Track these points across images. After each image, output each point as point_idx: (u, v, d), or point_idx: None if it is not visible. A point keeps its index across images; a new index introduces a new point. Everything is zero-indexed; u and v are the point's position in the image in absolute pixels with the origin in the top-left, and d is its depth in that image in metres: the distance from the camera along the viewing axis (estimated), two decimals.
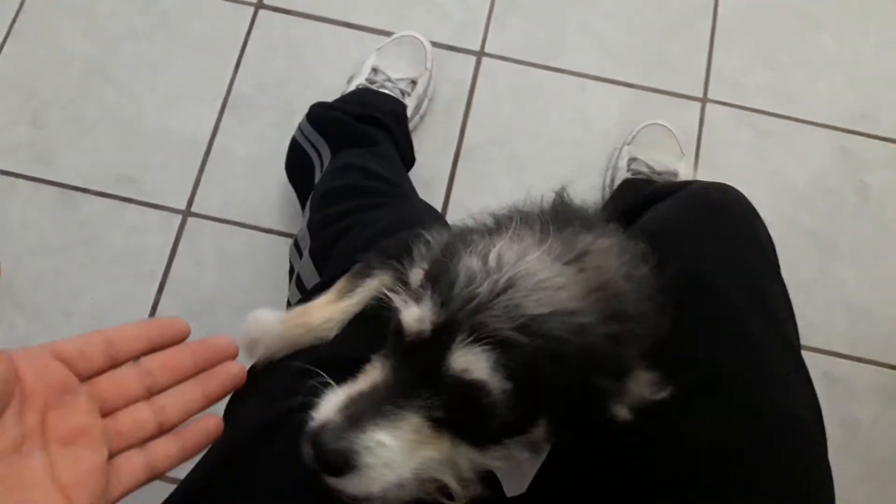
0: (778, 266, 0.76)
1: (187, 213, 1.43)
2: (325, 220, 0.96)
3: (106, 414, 0.49)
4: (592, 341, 0.49)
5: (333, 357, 0.63)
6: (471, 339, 0.48)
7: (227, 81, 1.51)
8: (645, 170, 1.39)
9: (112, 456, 0.48)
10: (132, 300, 1.38)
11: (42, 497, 0.44)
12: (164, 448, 0.51)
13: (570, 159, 1.51)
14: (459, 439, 0.51)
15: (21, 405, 0.45)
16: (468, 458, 0.53)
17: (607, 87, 1.55)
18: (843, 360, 1.43)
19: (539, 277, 0.50)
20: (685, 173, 1.45)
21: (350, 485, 0.49)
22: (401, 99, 1.38)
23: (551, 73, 1.56)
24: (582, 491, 0.63)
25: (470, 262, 0.51)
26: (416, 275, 0.61)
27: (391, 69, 1.42)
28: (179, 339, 0.54)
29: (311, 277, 0.90)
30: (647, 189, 1.29)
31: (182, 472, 0.66)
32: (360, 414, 0.50)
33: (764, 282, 0.72)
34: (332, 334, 0.69)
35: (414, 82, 1.43)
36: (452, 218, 1.42)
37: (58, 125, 1.48)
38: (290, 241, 1.40)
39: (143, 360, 0.53)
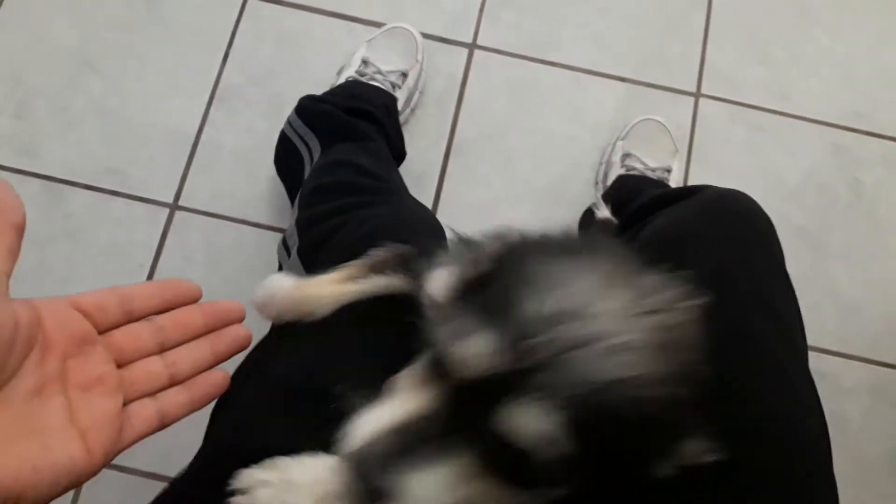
0: (788, 277, 0.75)
1: (175, 206, 1.42)
2: (313, 218, 0.95)
3: (121, 365, 0.52)
4: (660, 408, 0.46)
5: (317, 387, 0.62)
6: (533, 397, 0.43)
7: (216, 73, 1.49)
8: (639, 166, 1.38)
9: (126, 404, 0.51)
10: None
11: (61, 439, 0.46)
12: (174, 398, 0.54)
13: (564, 154, 1.50)
14: (498, 484, 0.47)
15: (42, 352, 0.47)
16: (504, 500, 0.49)
17: (601, 82, 1.54)
18: (832, 358, 1.43)
19: (617, 333, 0.45)
20: (678, 169, 1.45)
21: None
22: (391, 92, 1.37)
23: (545, 66, 1.54)
24: None
25: (534, 305, 0.45)
26: (442, 281, 0.55)
27: (381, 61, 1.40)
28: (191, 300, 0.56)
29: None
30: (650, 192, 1.28)
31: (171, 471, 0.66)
32: (401, 449, 0.46)
33: (778, 295, 0.71)
34: (320, 313, 0.68)
35: (405, 75, 1.41)
36: (444, 215, 1.42)
37: (43, 117, 1.45)
38: (278, 235, 1.39)
39: (157, 317, 0.55)
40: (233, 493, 0.54)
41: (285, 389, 0.65)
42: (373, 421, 0.48)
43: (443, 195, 1.46)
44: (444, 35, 1.53)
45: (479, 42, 1.54)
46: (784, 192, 1.51)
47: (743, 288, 0.70)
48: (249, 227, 1.41)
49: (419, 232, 0.84)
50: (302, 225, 0.96)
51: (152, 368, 0.53)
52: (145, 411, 0.52)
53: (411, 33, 1.45)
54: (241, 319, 0.59)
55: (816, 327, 1.44)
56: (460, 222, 1.40)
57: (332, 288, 0.68)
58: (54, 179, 1.42)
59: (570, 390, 0.43)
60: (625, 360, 0.45)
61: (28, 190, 1.40)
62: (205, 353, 0.56)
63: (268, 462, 0.56)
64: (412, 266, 0.64)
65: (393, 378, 0.53)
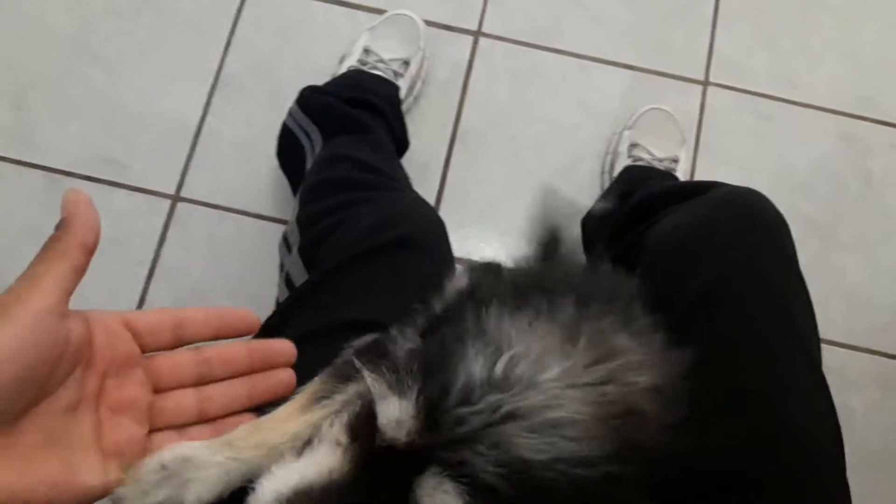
0: (802, 276, 0.74)
1: (176, 197, 1.40)
2: (313, 215, 0.94)
3: (156, 391, 0.51)
4: (591, 487, 0.42)
5: None
6: (446, 473, 0.40)
7: (217, 62, 1.47)
8: (646, 156, 1.36)
9: (150, 432, 0.50)
10: (120, 285, 1.36)
11: (84, 458, 0.46)
12: (199, 435, 0.52)
13: (569, 143, 1.48)
14: None
15: (86, 367, 0.47)
16: None
17: (608, 70, 1.52)
18: (839, 349, 1.42)
19: (550, 409, 0.41)
20: (686, 159, 1.43)
21: None
22: (393, 80, 1.35)
23: (551, 54, 1.52)
24: None
25: (472, 367, 0.42)
26: (408, 337, 0.53)
27: (383, 49, 1.38)
28: (247, 332, 0.55)
29: (300, 276, 0.88)
30: (659, 184, 1.26)
31: None
32: None
33: (791, 296, 0.71)
34: (296, 454, 0.54)
35: (407, 63, 1.39)
36: (448, 205, 1.40)
37: (41, 107, 1.44)
38: (280, 226, 1.38)
39: (203, 347, 0.54)
40: None
41: None
42: (281, 480, 0.44)
43: (447, 185, 1.44)
44: (448, 23, 1.51)
45: (483, 30, 1.52)
46: (792, 181, 1.49)
47: (755, 290, 0.69)
48: (251, 219, 1.40)
49: (418, 227, 0.83)
50: (302, 222, 0.95)
51: (184, 401, 0.52)
52: (167, 444, 0.51)
53: (413, 20, 1.43)
54: (290, 363, 0.55)
55: (824, 318, 1.40)
56: (464, 212, 1.41)
57: (298, 421, 0.55)
58: (54, 171, 1.40)
59: (486, 469, 0.40)
60: (550, 440, 0.41)
61: (28, 181, 1.39)
62: (241, 395, 0.54)
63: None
64: (387, 358, 0.54)
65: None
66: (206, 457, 0.51)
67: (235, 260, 1.38)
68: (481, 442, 0.40)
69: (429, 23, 1.47)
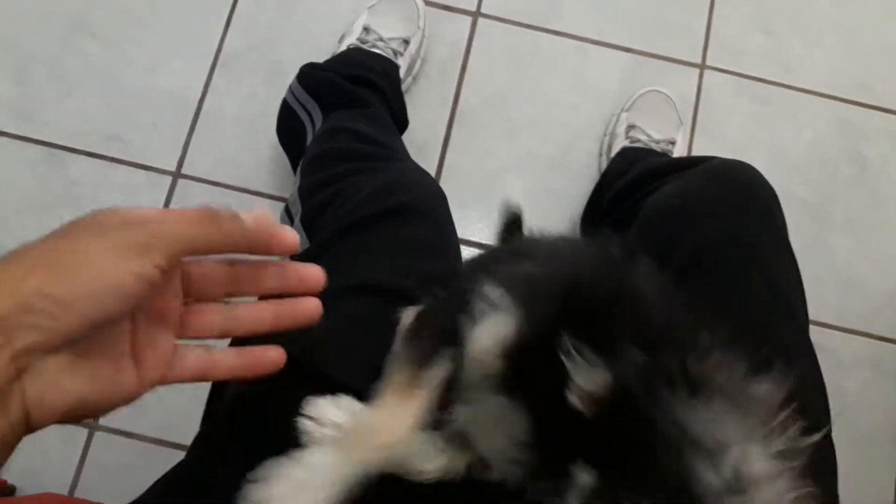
0: (791, 247, 0.75)
1: (177, 174, 1.41)
2: (314, 185, 0.95)
3: (185, 302, 0.51)
4: None
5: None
6: None
7: (218, 39, 1.47)
8: (643, 137, 1.38)
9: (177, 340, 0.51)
10: None
11: (123, 367, 0.47)
12: (224, 357, 0.52)
13: (567, 124, 1.49)
14: None
15: None
16: None
17: (606, 52, 1.53)
18: (832, 332, 1.44)
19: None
20: (683, 141, 1.44)
21: None
22: (393, 59, 1.36)
23: (550, 35, 1.53)
24: None
25: (703, 474, 0.39)
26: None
27: (383, 28, 1.39)
28: (284, 253, 0.52)
29: (302, 244, 0.89)
30: (655, 159, 1.28)
31: None
32: None
33: (778, 263, 0.72)
34: (418, 446, 0.54)
35: (406, 42, 1.40)
36: (447, 184, 1.40)
37: (42, 82, 1.44)
38: (281, 203, 1.39)
39: (237, 261, 0.52)
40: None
41: None
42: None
43: (446, 164, 1.45)
44: (447, 3, 1.52)
45: (482, 10, 1.53)
46: (787, 164, 1.51)
47: (743, 255, 0.70)
48: (251, 196, 1.41)
49: (418, 195, 0.84)
50: (304, 193, 0.96)
51: (211, 318, 0.52)
52: (191, 357, 0.51)
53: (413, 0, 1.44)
54: (318, 290, 0.55)
55: (817, 301, 1.43)
56: (463, 191, 1.42)
57: (404, 414, 0.53)
58: (55, 146, 1.41)
59: None
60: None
61: (29, 156, 1.40)
62: (266, 318, 0.54)
63: (344, 401, 0.54)
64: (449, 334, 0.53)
65: None
66: (319, 461, 0.51)
67: None
68: None
69: (428, 3, 1.48)
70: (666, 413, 0.41)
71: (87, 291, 0.42)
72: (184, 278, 0.50)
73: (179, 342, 0.51)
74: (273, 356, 0.54)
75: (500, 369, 0.47)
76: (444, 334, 0.53)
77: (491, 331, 0.48)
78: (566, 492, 0.41)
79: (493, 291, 0.49)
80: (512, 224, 0.78)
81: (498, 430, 0.48)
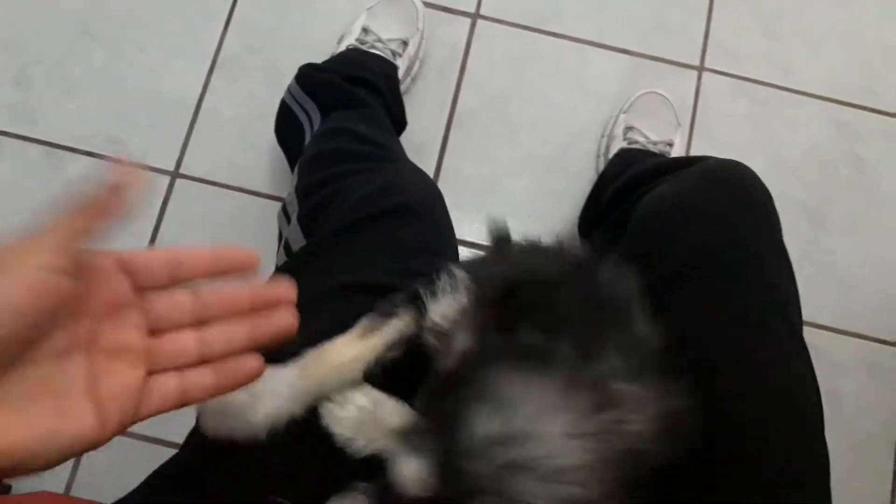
0: (785, 248, 0.76)
1: (176, 174, 1.41)
2: (312, 185, 0.95)
3: (153, 333, 0.49)
4: None
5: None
6: None
7: (217, 41, 1.48)
8: (641, 139, 1.38)
9: (149, 375, 0.48)
10: None
11: (75, 406, 0.44)
12: (200, 378, 0.50)
13: (566, 126, 1.49)
14: None
15: (78, 311, 0.45)
16: None
17: (604, 54, 1.53)
18: (829, 333, 1.44)
19: (550, 458, 0.44)
20: (681, 143, 1.44)
21: None
22: (392, 60, 1.36)
23: (548, 37, 1.53)
24: None
25: (475, 426, 0.45)
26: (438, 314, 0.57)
27: (382, 29, 1.39)
28: (248, 269, 0.52)
29: (298, 243, 0.89)
30: (651, 160, 1.28)
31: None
32: None
33: (773, 264, 0.72)
34: (359, 374, 0.63)
35: (405, 43, 1.40)
36: (445, 186, 1.41)
37: (43, 84, 1.45)
38: (278, 204, 1.39)
39: (203, 289, 0.51)
40: None
41: None
42: None
43: (444, 166, 1.45)
44: (446, 4, 1.52)
45: (482, 12, 1.53)
46: (785, 167, 1.51)
47: (737, 256, 0.70)
48: (249, 196, 1.41)
49: (416, 196, 0.84)
50: (301, 192, 0.97)
51: (184, 344, 0.50)
52: (166, 387, 0.49)
53: (412, 1, 1.44)
54: (291, 304, 0.53)
55: (814, 303, 1.44)
56: (461, 193, 1.42)
57: (357, 346, 0.64)
58: (55, 146, 1.41)
59: None
60: (561, 483, 0.44)
61: (28, 156, 1.40)
62: (241, 337, 0.52)
63: (365, 387, 0.57)
64: (417, 298, 0.63)
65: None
66: (278, 374, 0.58)
67: (233, 236, 1.39)
68: (487, 493, 0.43)
69: (427, 4, 1.48)
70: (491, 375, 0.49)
71: None
72: (148, 311, 0.49)
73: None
74: (251, 366, 0.52)
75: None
76: (413, 297, 0.63)
77: (449, 302, 0.58)
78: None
79: (461, 276, 0.58)
80: (500, 239, 0.79)
81: None
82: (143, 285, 0.48)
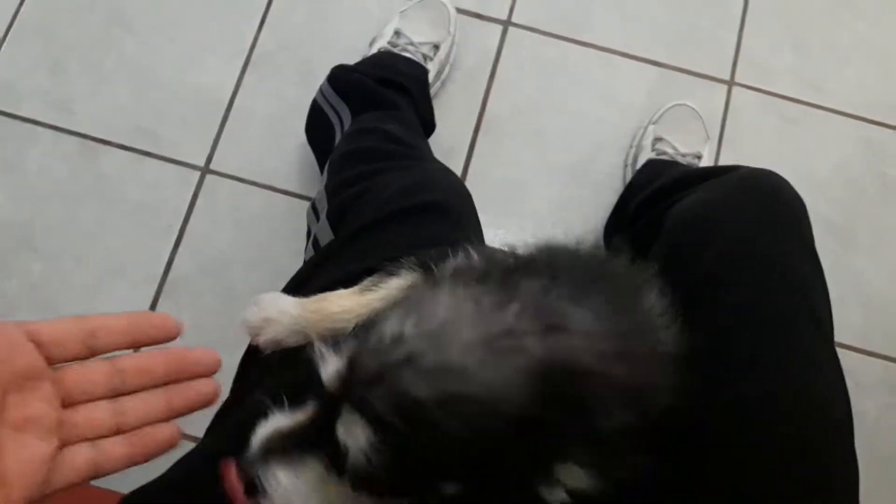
0: (817, 257, 0.75)
1: (206, 170, 1.43)
2: (342, 183, 0.96)
3: (66, 405, 0.48)
4: (495, 433, 0.47)
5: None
6: (354, 410, 0.47)
7: (251, 38, 1.50)
8: (669, 150, 1.38)
9: (62, 446, 0.47)
10: (147, 253, 1.39)
11: None
12: (112, 448, 0.49)
13: (593, 135, 1.49)
14: (351, 489, 0.51)
15: None
16: None
17: (634, 65, 1.53)
18: (852, 353, 1.43)
19: (445, 354, 0.47)
20: (709, 156, 1.44)
21: None
22: (423, 63, 1.37)
23: (578, 46, 1.53)
24: None
25: (385, 325, 0.49)
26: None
27: (414, 33, 1.41)
28: (165, 340, 0.52)
29: (328, 240, 0.90)
30: (682, 169, 1.28)
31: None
32: (272, 451, 0.52)
33: (805, 272, 0.72)
34: (351, 326, 0.65)
35: (437, 47, 1.41)
36: (471, 189, 1.41)
37: (77, 74, 1.47)
38: (306, 203, 1.40)
39: (118, 358, 0.51)
40: None
41: None
42: (269, 426, 0.53)
43: (470, 170, 1.46)
44: (479, 11, 1.53)
45: (513, 19, 1.54)
46: (812, 184, 1.50)
47: (769, 263, 0.70)
48: (278, 194, 1.43)
49: (446, 194, 0.85)
50: (330, 190, 0.98)
51: (98, 415, 0.49)
52: (78, 458, 0.48)
53: (444, 5, 1.45)
54: (212, 372, 0.53)
55: (839, 322, 1.40)
56: (487, 199, 1.42)
57: (352, 299, 0.67)
58: (87, 137, 1.43)
59: (383, 408, 0.46)
60: (451, 381, 0.46)
61: (63, 147, 1.42)
62: (159, 406, 0.51)
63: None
64: (426, 265, 0.64)
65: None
66: (289, 308, 0.65)
67: (260, 234, 1.40)
68: (379, 383, 0.47)
69: (460, 10, 1.50)
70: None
71: None
72: (60, 383, 0.48)
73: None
74: (165, 435, 0.52)
75: None
76: (422, 264, 0.65)
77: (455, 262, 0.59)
78: None
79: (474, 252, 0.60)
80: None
81: None
82: (55, 357, 0.48)
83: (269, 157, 1.44)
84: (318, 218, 0.98)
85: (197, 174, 1.43)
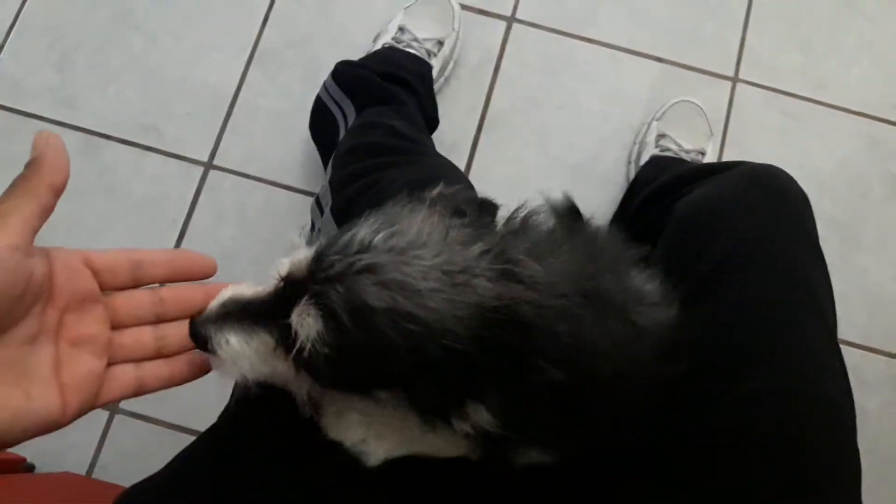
0: (821, 252, 0.75)
1: (209, 165, 1.43)
2: (346, 177, 0.96)
3: (115, 328, 0.53)
4: (428, 355, 0.49)
5: None
6: (311, 301, 0.50)
7: (255, 34, 1.50)
8: (673, 147, 1.38)
9: (109, 365, 0.52)
10: (153, 243, 1.39)
11: (43, 390, 0.47)
12: (155, 370, 0.55)
13: (597, 132, 1.49)
14: (294, 367, 0.54)
15: (46, 302, 0.49)
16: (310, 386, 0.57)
17: (638, 61, 1.53)
18: (855, 350, 1.43)
19: (400, 274, 0.50)
20: (712, 152, 1.44)
21: (214, 364, 0.55)
22: (426, 59, 1.37)
23: (582, 42, 1.53)
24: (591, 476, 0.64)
25: (358, 231, 0.52)
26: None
27: (418, 29, 1.41)
28: (203, 276, 0.57)
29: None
30: (683, 166, 1.28)
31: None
32: (229, 315, 0.54)
33: (809, 266, 0.72)
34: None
35: (441, 43, 1.41)
36: (474, 185, 1.42)
37: (83, 70, 1.47)
38: (310, 199, 1.40)
39: (161, 288, 0.56)
40: None
41: None
42: (230, 292, 0.56)
43: (474, 166, 1.46)
44: (483, 7, 1.53)
45: (517, 15, 1.54)
46: (817, 181, 1.50)
47: (773, 257, 0.70)
48: (282, 190, 1.43)
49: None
50: (335, 184, 0.97)
51: (142, 338, 0.54)
52: (125, 377, 0.53)
53: (448, 1, 1.45)
54: None
55: (843, 319, 1.39)
56: (490, 194, 1.41)
57: None
58: (92, 133, 1.44)
59: (337, 304, 0.49)
60: (402, 297, 0.49)
61: (67, 142, 1.41)
62: None
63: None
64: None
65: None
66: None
67: (263, 229, 1.41)
68: (339, 283, 0.50)
69: (464, 6, 1.50)
70: None
71: None
72: (110, 307, 0.53)
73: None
74: (200, 360, 0.56)
75: None
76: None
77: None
78: None
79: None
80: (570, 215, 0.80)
81: None
82: (106, 284, 0.53)
83: (272, 153, 1.44)
84: (322, 212, 0.98)
85: (201, 169, 1.43)
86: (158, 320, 0.55)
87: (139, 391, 0.54)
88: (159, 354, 0.55)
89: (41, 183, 0.47)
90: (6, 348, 0.46)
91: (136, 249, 0.54)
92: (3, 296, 0.44)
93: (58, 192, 0.48)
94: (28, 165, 0.47)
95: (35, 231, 0.46)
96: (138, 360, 0.54)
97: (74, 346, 0.50)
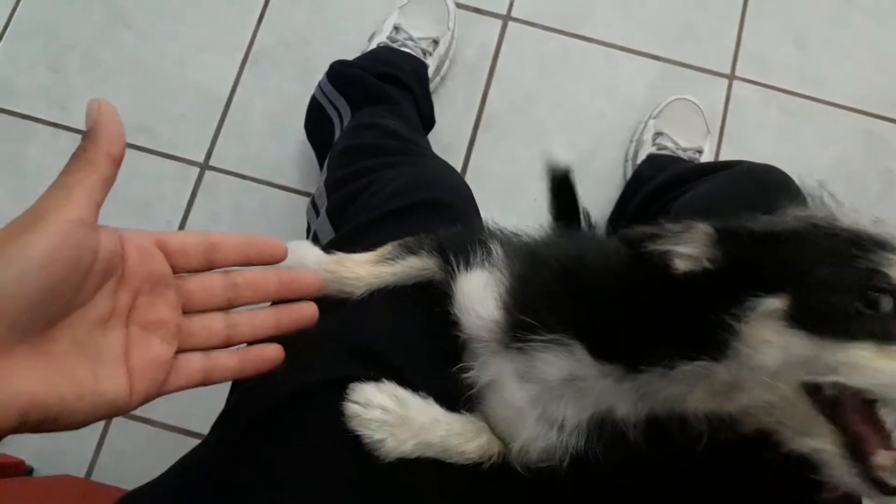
0: None
1: (205, 166, 1.43)
2: (341, 178, 0.96)
3: (186, 312, 0.52)
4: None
5: (363, 345, 0.63)
6: None
7: (250, 34, 1.49)
8: (670, 145, 1.37)
9: (178, 353, 0.51)
10: None
11: (111, 372, 0.46)
12: (224, 361, 0.53)
13: (593, 130, 1.49)
14: None
15: (118, 283, 0.48)
16: None
17: (634, 59, 1.53)
18: None
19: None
20: (710, 150, 1.44)
21: None
22: (422, 58, 1.37)
23: (578, 41, 1.53)
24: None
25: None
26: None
27: (413, 28, 1.40)
28: (273, 261, 0.55)
29: (327, 236, 0.90)
30: (685, 164, 1.28)
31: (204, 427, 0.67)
32: None
33: None
34: (358, 293, 0.66)
35: (436, 42, 1.41)
36: (470, 184, 1.40)
37: (76, 71, 1.47)
38: (305, 199, 1.40)
39: (234, 273, 0.55)
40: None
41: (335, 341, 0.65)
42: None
43: (470, 166, 1.46)
44: (478, 6, 1.53)
45: (513, 14, 1.53)
46: (813, 178, 1.49)
47: None
48: (277, 190, 1.42)
49: (447, 191, 0.84)
50: (330, 185, 0.97)
51: (213, 325, 0.53)
52: (192, 366, 0.52)
53: (444, 0, 1.45)
54: (314, 295, 0.58)
55: None
56: (487, 193, 1.42)
57: (366, 267, 0.67)
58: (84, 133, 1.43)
59: None
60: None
61: (59, 143, 1.42)
62: (268, 323, 0.55)
63: (387, 386, 0.58)
64: (445, 251, 0.65)
65: None
66: (308, 260, 0.65)
67: (260, 229, 1.40)
68: None
69: (459, 4, 1.49)
70: None
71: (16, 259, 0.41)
72: (182, 291, 0.52)
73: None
74: (270, 354, 0.55)
75: None
76: (439, 245, 0.67)
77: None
78: None
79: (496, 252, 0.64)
80: (562, 184, 0.81)
81: None
82: (179, 266, 0.51)
83: (268, 153, 1.44)
84: (317, 214, 0.98)
85: (196, 170, 1.42)
86: (230, 305, 0.54)
87: (206, 381, 0.53)
88: (228, 343, 0.54)
89: (99, 153, 0.45)
90: (77, 327, 0.45)
91: (210, 232, 0.53)
92: (71, 271, 0.43)
93: (117, 161, 0.46)
94: (85, 136, 0.46)
95: (99, 205, 0.45)
96: (207, 348, 0.53)
97: (145, 330, 0.49)
